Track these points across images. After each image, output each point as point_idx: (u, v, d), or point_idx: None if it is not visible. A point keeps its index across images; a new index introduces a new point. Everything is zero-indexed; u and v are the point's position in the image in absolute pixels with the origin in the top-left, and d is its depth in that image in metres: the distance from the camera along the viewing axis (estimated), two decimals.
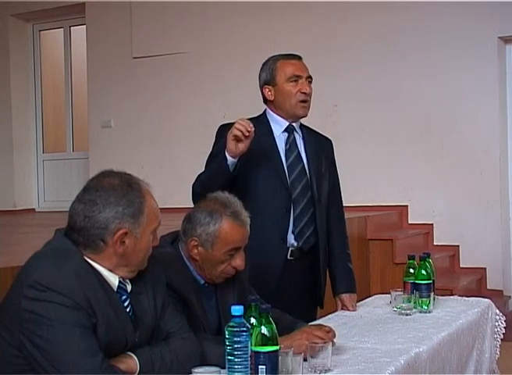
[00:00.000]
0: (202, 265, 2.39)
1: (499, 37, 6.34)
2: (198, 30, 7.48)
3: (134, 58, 7.88)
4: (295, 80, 3.03)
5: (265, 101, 3.13)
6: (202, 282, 2.43)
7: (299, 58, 3.11)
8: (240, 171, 2.90)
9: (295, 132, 3.12)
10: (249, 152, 2.87)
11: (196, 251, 2.37)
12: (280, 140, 3.08)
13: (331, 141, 3.28)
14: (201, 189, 2.82)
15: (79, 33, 8.53)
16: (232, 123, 2.91)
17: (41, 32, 8.90)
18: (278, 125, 3.09)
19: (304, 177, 3.07)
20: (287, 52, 3.14)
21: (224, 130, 2.97)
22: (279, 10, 7.04)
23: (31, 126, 8.83)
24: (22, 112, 8.74)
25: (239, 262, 2.40)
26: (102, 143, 8.05)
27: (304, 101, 3.05)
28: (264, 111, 3.15)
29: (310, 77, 3.07)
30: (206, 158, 3.05)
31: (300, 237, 3.04)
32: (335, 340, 2.32)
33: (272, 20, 7.09)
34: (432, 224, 6.53)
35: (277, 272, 3.00)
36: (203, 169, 3.01)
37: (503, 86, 6.44)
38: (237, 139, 2.79)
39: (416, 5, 6.50)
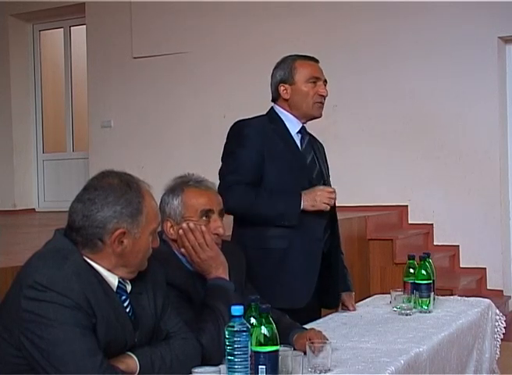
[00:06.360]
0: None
1: (499, 37, 6.34)
2: (198, 30, 7.48)
3: (134, 58, 7.89)
4: (313, 82, 3.02)
5: (276, 99, 3.10)
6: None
7: (316, 60, 3.11)
8: (267, 170, 2.93)
9: (306, 134, 3.12)
10: (274, 152, 2.93)
11: (172, 231, 2.37)
12: (296, 140, 3.07)
13: (323, 146, 3.29)
14: (248, 216, 2.90)
15: (79, 33, 8.53)
16: (248, 119, 3.02)
17: (41, 32, 8.91)
18: (292, 125, 3.06)
19: (321, 179, 3.08)
20: (301, 53, 3.13)
21: (243, 127, 2.99)
22: (279, 11, 7.05)
23: (31, 126, 8.83)
24: (22, 113, 8.75)
25: (215, 226, 2.38)
26: (102, 143, 8.05)
27: (320, 103, 3.05)
28: (272, 109, 3.11)
29: (325, 81, 3.08)
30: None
31: (323, 238, 3.04)
32: (334, 341, 2.31)
33: (273, 21, 7.09)
34: (432, 224, 6.53)
35: (315, 273, 2.99)
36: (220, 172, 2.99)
37: (502, 86, 6.44)
38: None
39: (416, 6, 6.50)
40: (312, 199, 2.90)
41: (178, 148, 7.55)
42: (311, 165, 3.06)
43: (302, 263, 2.95)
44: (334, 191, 2.95)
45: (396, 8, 6.60)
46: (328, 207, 2.93)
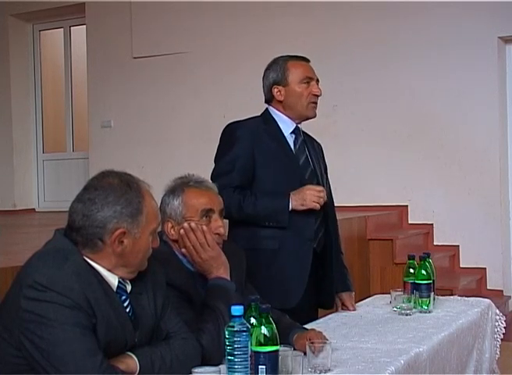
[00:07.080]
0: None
1: (499, 37, 6.34)
2: (198, 30, 7.48)
3: (134, 58, 7.88)
4: (307, 82, 3.04)
5: (270, 100, 3.10)
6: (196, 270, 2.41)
7: (307, 60, 3.12)
8: (259, 171, 2.95)
9: (300, 134, 3.12)
10: (266, 153, 2.95)
11: (173, 232, 2.37)
12: (290, 141, 3.08)
13: (321, 145, 3.30)
14: (239, 218, 2.93)
15: (79, 33, 8.53)
16: (241, 121, 3.01)
17: (41, 32, 8.91)
18: (286, 125, 3.08)
19: (314, 179, 3.08)
20: (291, 54, 3.14)
21: (235, 129, 3.00)
22: (279, 11, 7.04)
23: (31, 126, 8.83)
24: (22, 113, 8.74)
25: (216, 226, 2.38)
26: (102, 143, 8.05)
27: (314, 103, 3.07)
28: (267, 110, 3.12)
29: (318, 80, 3.09)
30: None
31: (314, 238, 3.05)
32: (334, 341, 2.31)
33: (272, 21, 7.08)
34: (432, 224, 6.53)
35: (306, 273, 2.99)
36: (215, 173, 2.98)
37: (502, 86, 6.44)
38: None
39: (416, 6, 6.50)
40: (301, 198, 2.91)
41: (178, 147, 7.55)
42: (303, 165, 3.06)
43: (292, 264, 2.96)
44: (323, 190, 2.96)
45: (395, 8, 6.59)
46: (319, 206, 2.93)
